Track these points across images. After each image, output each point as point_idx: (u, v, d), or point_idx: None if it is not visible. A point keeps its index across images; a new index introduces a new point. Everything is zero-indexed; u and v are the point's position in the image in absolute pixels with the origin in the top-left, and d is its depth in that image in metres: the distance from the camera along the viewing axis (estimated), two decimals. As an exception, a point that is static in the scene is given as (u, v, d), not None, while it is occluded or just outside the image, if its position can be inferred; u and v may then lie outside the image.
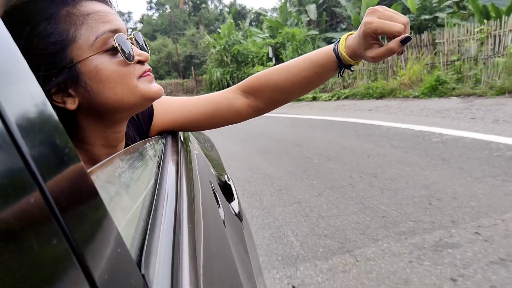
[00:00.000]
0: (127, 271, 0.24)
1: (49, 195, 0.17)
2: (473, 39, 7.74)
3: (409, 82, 8.33)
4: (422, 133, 4.30)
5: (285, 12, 21.28)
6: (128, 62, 0.59)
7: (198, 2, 42.78)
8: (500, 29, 7.24)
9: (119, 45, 0.58)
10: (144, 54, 0.64)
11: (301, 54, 11.55)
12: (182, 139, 0.85)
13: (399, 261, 1.81)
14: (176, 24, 40.04)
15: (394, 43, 0.64)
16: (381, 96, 8.63)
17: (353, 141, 4.55)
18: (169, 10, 43.42)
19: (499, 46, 7.20)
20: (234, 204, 0.94)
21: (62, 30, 0.55)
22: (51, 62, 0.55)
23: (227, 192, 0.97)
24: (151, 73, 0.65)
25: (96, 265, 0.19)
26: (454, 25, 8.96)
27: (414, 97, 7.60)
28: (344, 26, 22.08)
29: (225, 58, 20.94)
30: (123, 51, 0.59)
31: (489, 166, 2.86)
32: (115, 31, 0.58)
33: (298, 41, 17.68)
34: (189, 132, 1.12)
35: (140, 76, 0.62)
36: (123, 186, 0.43)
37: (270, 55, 17.82)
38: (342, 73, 0.75)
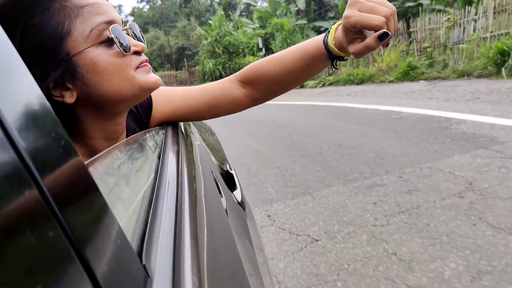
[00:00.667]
0: (128, 262, 0.24)
1: (45, 189, 0.17)
2: (442, 27, 8.49)
3: (386, 68, 9.08)
4: (385, 112, 5.07)
5: (274, 2, 21.67)
6: (125, 53, 0.59)
7: None
8: (465, 18, 7.99)
9: (114, 36, 0.58)
10: (141, 45, 0.63)
11: (290, 44, 12.14)
12: (182, 129, 0.85)
13: (342, 196, 2.58)
14: (167, 16, 40.32)
15: (371, 39, 0.60)
16: (361, 82, 9.39)
17: (328, 121, 5.31)
18: (160, 3, 43.69)
19: (463, 34, 7.96)
20: (237, 193, 0.93)
21: (56, 23, 0.55)
22: (47, 56, 0.55)
23: (230, 181, 0.97)
24: (148, 64, 0.64)
25: (95, 258, 0.19)
26: (434, 11, 9.69)
27: (389, 81, 8.38)
28: (332, 15, 22.52)
29: (217, 49, 21.43)
30: (119, 42, 0.58)
31: (427, 134, 3.63)
32: (110, 22, 0.58)
33: (287, 31, 18.19)
34: (190, 122, 1.11)
35: (138, 67, 0.62)
36: (123, 178, 0.42)
37: (260, 45, 18.28)
38: (336, 65, 0.72)
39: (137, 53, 0.62)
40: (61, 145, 0.21)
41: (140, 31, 0.67)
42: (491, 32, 7.26)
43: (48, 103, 0.21)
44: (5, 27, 0.21)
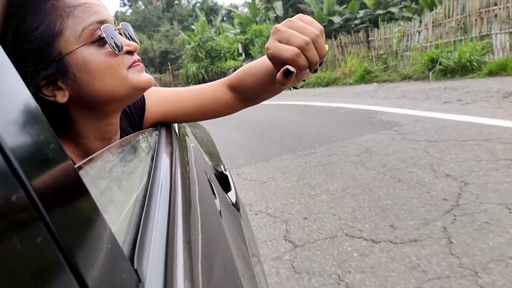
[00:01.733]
0: (119, 267, 0.24)
1: (33, 193, 0.17)
2: (395, 37, 9.93)
3: (349, 72, 10.46)
4: (336, 108, 6.39)
5: (254, 9, 22.78)
6: (117, 52, 0.59)
7: None
8: (412, 29, 9.44)
9: (106, 35, 0.57)
10: (133, 44, 0.63)
11: None
12: (176, 130, 0.84)
13: (287, 160, 3.84)
14: (150, 20, 41.23)
15: (278, 76, 0.57)
16: (327, 84, 10.77)
17: (292, 116, 6.59)
18: (143, 7, 44.56)
19: (410, 43, 9.41)
20: (231, 194, 0.93)
21: (48, 23, 0.55)
22: (39, 55, 0.54)
23: (224, 182, 0.97)
24: (141, 63, 0.64)
25: (85, 263, 0.19)
26: (403, 18, 11.11)
27: (349, 84, 9.77)
28: None
29: (199, 54, 22.44)
30: (111, 42, 0.58)
31: (357, 122, 4.94)
32: (102, 22, 0.58)
33: (266, 37, 19.17)
34: (184, 123, 1.09)
35: (130, 67, 0.62)
36: (115, 180, 0.41)
37: (240, 50, 19.36)
38: (295, 86, 0.67)
39: (129, 52, 0.62)
40: (50, 148, 0.20)
41: (134, 31, 0.66)
42: (430, 42, 8.70)
43: (37, 104, 0.21)
44: None
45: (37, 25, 0.54)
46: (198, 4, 41.62)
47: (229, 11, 32.52)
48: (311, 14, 22.04)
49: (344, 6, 21.57)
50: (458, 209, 2.14)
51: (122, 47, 0.60)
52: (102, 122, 0.65)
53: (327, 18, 19.39)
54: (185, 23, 42.18)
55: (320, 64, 0.60)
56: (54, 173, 0.20)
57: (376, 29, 10.77)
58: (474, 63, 6.72)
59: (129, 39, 0.64)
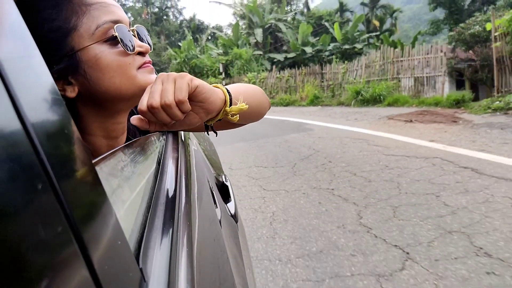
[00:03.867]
0: (126, 264, 0.24)
1: (57, 185, 0.17)
2: (340, 72, 12.90)
3: (305, 96, 13.31)
4: (283, 120, 9.12)
5: (237, 33, 25.32)
6: (128, 52, 0.60)
7: (161, 14, 46.53)
8: (352, 67, 12.42)
9: (119, 35, 0.59)
10: (145, 46, 0.64)
11: (246, 70, 15.91)
12: (182, 137, 0.86)
13: (243, 146, 6.48)
14: (138, 33, 43.32)
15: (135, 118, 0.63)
16: (287, 104, 13.60)
17: (255, 125, 9.30)
18: (133, 19, 46.81)
19: (349, 77, 12.39)
20: (230, 205, 0.95)
21: (64, 17, 0.57)
22: (52, 49, 0.56)
23: (224, 193, 0.99)
24: (151, 65, 0.65)
25: (98, 256, 0.19)
26: (368, 52, 14.13)
27: (303, 106, 12.62)
28: (285, 48, 26.83)
29: (184, 69, 24.51)
30: (123, 41, 0.59)
31: (291, 128, 7.64)
32: (116, 22, 0.60)
33: (245, 60, 21.73)
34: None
35: (140, 67, 0.63)
36: (125, 180, 0.42)
37: (221, 70, 21.55)
38: (212, 129, 0.73)
39: (141, 53, 0.64)
40: (73, 142, 0.21)
41: (148, 34, 0.68)
42: (362, 78, 11.68)
43: (61, 96, 0.21)
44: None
45: (54, 18, 0.56)
46: (185, 22, 44.25)
47: (214, 32, 35.21)
48: (287, 42, 24.87)
49: (317, 38, 24.53)
50: (308, 159, 4.79)
51: (134, 48, 0.61)
52: (109, 120, 0.65)
53: (301, 47, 22.28)
54: (172, 38, 44.71)
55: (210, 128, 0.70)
56: (77, 168, 0.21)
57: (328, 64, 13.75)
58: (381, 97, 9.64)
59: (142, 41, 0.65)
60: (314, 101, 12.25)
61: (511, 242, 2.06)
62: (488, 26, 7.91)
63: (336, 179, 3.69)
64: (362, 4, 33.99)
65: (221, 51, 25.00)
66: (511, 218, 2.36)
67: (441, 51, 9.63)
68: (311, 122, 8.15)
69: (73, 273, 0.18)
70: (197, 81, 0.61)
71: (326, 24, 27.67)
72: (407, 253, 2.07)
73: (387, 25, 31.87)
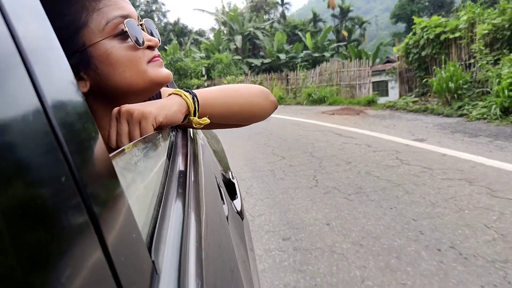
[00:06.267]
0: (140, 256, 0.25)
1: (78, 177, 0.18)
2: (301, 78, 16.21)
3: (273, 97, 16.52)
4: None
5: (218, 38, 27.85)
6: (138, 46, 0.61)
7: (147, 16, 48.04)
8: (310, 74, 15.76)
9: (129, 29, 0.60)
10: (154, 40, 0.65)
11: (226, 74, 18.95)
12: (191, 133, 0.87)
13: (240, 142, 9.65)
14: (125, 35, 45.11)
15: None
16: (259, 103, 16.80)
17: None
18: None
19: (307, 82, 15.72)
20: (237, 202, 0.96)
21: (75, 14, 0.58)
22: (63, 45, 0.65)
23: (231, 190, 1.00)
24: (160, 58, 0.66)
25: (114, 247, 0.20)
26: (337, 58, 17.42)
27: (270, 104, 15.86)
28: (262, 54, 29.55)
29: (170, 71, 26.54)
30: (133, 36, 0.60)
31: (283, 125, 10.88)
32: (125, 17, 0.61)
33: (225, 64, 23.67)
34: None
35: (150, 61, 0.64)
36: (138, 174, 0.43)
37: (203, 73, 23.10)
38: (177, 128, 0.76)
39: (150, 48, 0.64)
40: (93, 137, 0.22)
41: (156, 28, 0.69)
42: (316, 84, 15.02)
43: (80, 90, 0.22)
44: None
45: (64, 15, 0.57)
46: (170, 26, 46.32)
47: (198, 36, 37.52)
48: (264, 48, 27.74)
49: (291, 46, 27.27)
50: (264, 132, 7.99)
51: (143, 42, 0.62)
52: None
53: (276, 54, 25.10)
54: (157, 40, 46.62)
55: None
56: (95, 160, 0.22)
57: (291, 72, 17.05)
58: (325, 98, 12.99)
59: (151, 35, 0.66)
60: (279, 101, 15.45)
61: (331, 152, 5.31)
62: (394, 49, 11.29)
63: (270, 140, 6.92)
64: (333, 15, 37.26)
65: (203, 55, 26.82)
66: (334, 148, 5.62)
67: (368, 65, 13.20)
68: (278, 116, 11.38)
69: (92, 264, 0.18)
70: (161, 116, 0.61)
71: (300, 33, 30.72)
72: (291, 165, 5.30)
73: (356, 35, 35.23)
